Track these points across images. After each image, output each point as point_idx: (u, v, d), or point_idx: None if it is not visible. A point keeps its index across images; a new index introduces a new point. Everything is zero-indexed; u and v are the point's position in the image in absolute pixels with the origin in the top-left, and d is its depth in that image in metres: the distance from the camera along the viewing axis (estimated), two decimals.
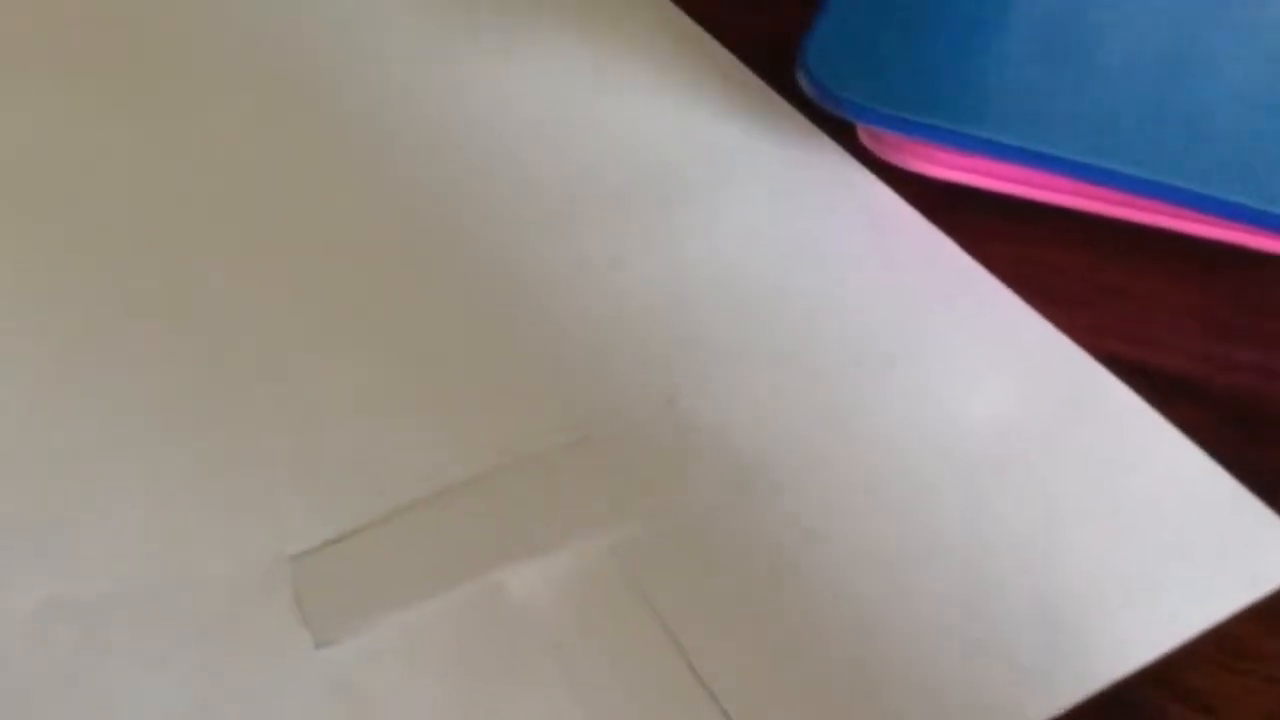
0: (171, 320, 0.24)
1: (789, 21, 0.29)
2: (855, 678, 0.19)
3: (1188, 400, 0.23)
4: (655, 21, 0.31)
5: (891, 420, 0.23)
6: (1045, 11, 0.28)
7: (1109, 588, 0.20)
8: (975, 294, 0.25)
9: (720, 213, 0.26)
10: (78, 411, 0.22)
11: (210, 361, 0.23)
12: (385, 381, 0.23)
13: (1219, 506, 0.22)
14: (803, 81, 0.26)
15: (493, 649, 0.19)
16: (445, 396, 0.23)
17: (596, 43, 0.30)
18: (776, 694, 0.19)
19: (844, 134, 0.28)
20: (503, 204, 0.26)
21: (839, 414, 0.23)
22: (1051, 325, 0.25)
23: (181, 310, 0.24)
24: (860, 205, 0.27)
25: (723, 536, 0.21)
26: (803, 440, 0.22)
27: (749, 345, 0.24)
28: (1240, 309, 0.25)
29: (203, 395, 0.22)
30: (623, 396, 0.23)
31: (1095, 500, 0.22)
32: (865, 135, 0.28)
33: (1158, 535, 0.21)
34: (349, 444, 0.22)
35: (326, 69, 0.29)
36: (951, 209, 0.27)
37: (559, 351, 0.23)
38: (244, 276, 0.24)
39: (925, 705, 0.19)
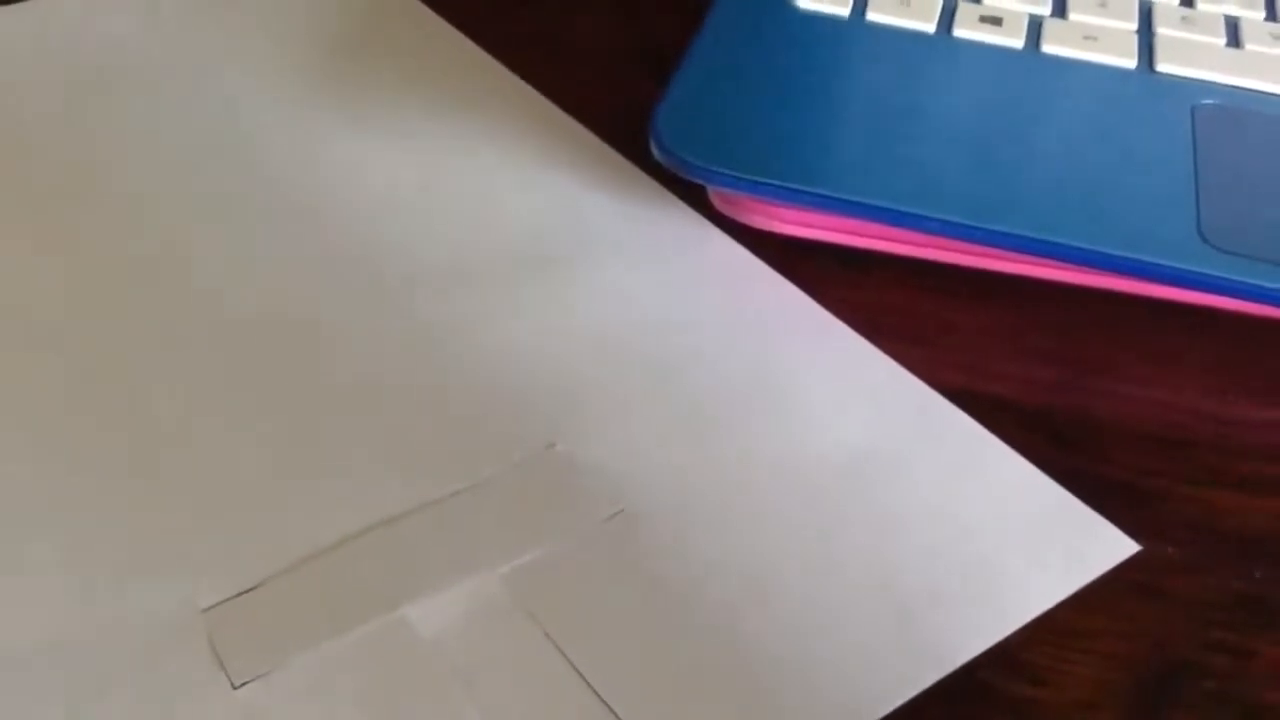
0: (77, 386, 0.25)
1: (639, 98, 0.31)
2: (730, 676, 0.21)
3: (1012, 419, 0.26)
4: (516, 103, 0.33)
5: (752, 452, 0.25)
6: (873, 78, 0.31)
7: (952, 584, 0.23)
8: (823, 336, 0.28)
9: (586, 275, 0.28)
10: None
11: (117, 425, 0.24)
12: (285, 441, 0.24)
13: (1046, 509, 0.24)
14: (655, 150, 0.29)
15: (401, 678, 0.21)
16: (342, 452, 0.24)
17: (462, 125, 0.32)
18: (662, 696, 0.21)
19: (696, 197, 0.30)
20: (383, 274, 0.28)
21: (705, 451, 0.25)
22: (892, 360, 0.27)
23: (86, 376, 0.25)
24: (715, 262, 0.29)
25: (603, 561, 0.23)
26: (672, 475, 0.24)
27: (619, 394, 0.26)
28: (1048, 335, 0.28)
29: (111, 459, 0.24)
30: (505, 445, 0.25)
31: (937, 510, 0.24)
32: (715, 197, 0.30)
33: (994, 537, 0.24)
34: (254, 501, 0.23)
35: (198, 155, 0.31)
36: (797, 261, 0.29)
37: (443, 408, 0.25)
38: (144, 346, 0.26)
39: (797, 695, 0.21)
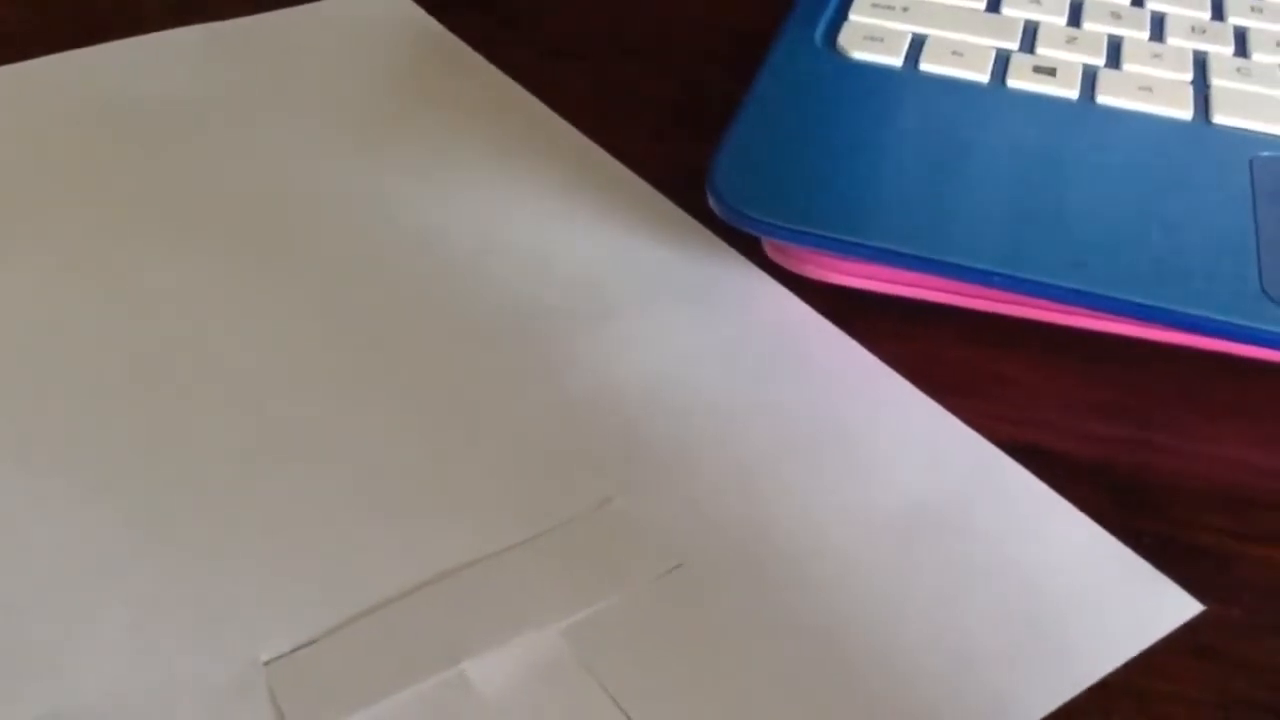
0: (140, 437, 0.25)
1: (695, 151, 0.32)
2: None
3: (1071, 475, 0.26)
4: (570, 153, 0.33)
5: (810, 506, 0.25)
6: (927, 129, 0.31)
7: (1014, 644, 0.23)
8: (879, 389, 0.28)
9: (642, 327, 0.29)
10: (54, 534, 0.23)
11: (179, 478, 0.25)
12: (346, 492, 0.25)
13: (1108, 567, 0.24)
14: (712, 203, 0.29)
15: None
16: (398, 504, 0.24)
17: (515, 175, 0.33)
18: None
19: (749, 246, 0.30)
20: (441, 324, 0.28)
21: (762, 505, 0.25)
22: (950, 414, 0.27)
23: (150, 427, 0.25)
24: (769, 313, 0.29)
25: (662, 617, 0.23)
26: (729, 529, 0.24)
27: (675, 447, 0.26)
28: (1108, 389, 0.28)
29: (173, 512, 0.24)
30: (562, 499, 0.25)
31: (998, 568, 0.24)
32: (771, 249, 0.30)
33: (1055, 595, 0.24)
34: (314, 553, 0.23)
35: (262, 209, 0.31)
36: (854, 313, 0.29)
37: (500, 461, 0.25)
38: (207, 395, 0.26)
39: None
